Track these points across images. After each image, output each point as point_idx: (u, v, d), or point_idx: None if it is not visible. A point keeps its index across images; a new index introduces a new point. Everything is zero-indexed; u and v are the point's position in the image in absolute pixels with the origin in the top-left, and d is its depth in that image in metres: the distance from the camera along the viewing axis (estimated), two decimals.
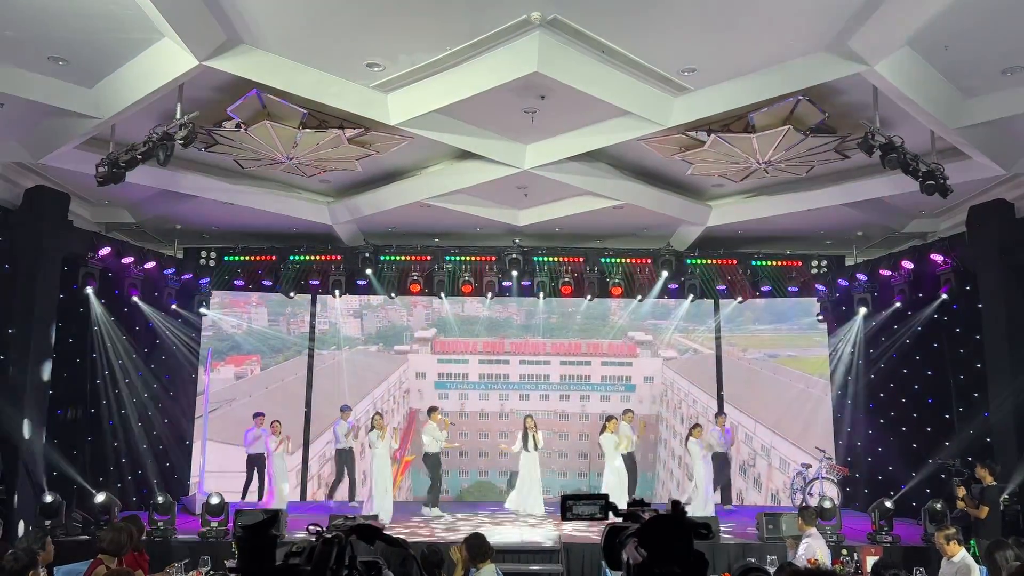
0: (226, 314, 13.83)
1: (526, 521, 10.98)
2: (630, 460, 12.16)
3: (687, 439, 11.79)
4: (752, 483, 13.66)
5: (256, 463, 12.31)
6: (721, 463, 12.52)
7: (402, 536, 8.58)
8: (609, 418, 12.02)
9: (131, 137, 7.91)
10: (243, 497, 12.16)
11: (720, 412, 13.11)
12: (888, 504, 9.45)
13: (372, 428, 11.19)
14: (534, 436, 11.73)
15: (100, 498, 9.33)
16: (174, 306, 12.57)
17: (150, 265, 11.85)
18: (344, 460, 12.70)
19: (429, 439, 11.46)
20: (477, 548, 5.78)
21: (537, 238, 12.89)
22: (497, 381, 14.51)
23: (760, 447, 13.67)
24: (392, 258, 12.99)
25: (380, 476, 10.89)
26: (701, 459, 11.55)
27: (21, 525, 9.02)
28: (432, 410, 11.79)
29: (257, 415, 12.44)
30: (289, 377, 14.04)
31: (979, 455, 9.70)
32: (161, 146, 7.36)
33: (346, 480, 12.77)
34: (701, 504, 11.29)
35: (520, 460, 11.81)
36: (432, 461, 11.47)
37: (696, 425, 11.98)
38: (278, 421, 11.92)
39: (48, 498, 9.03)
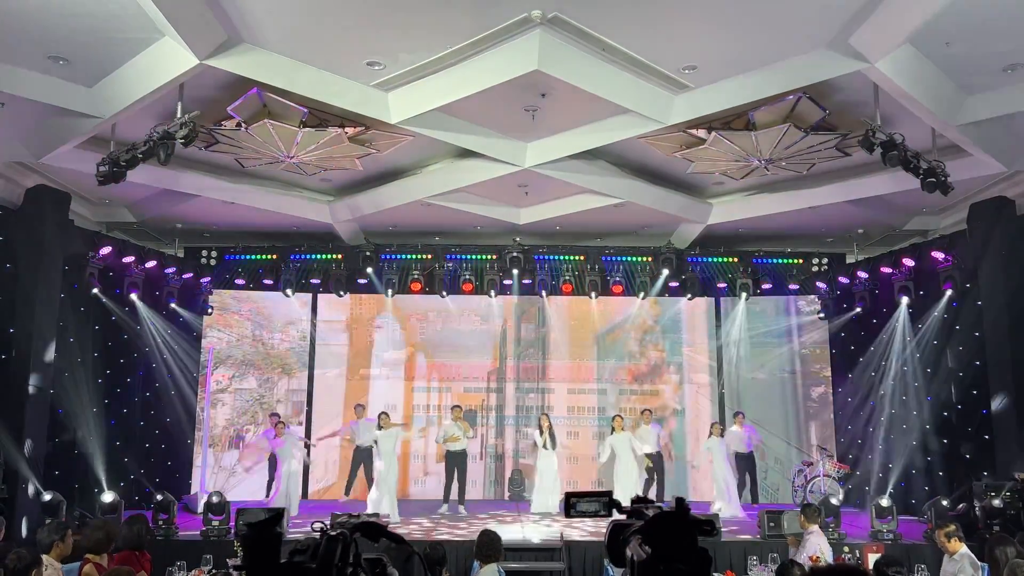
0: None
1: (529, 519, 10.97)
2: (657, 460, 12.17)
3: (708, 437, 11.84)
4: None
5: (273, 462, 12.34)
6: (747, 464, 12.54)
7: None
8: (615, 416, 12.01)
9: (132, 136, 7.91)
10: (267, 495, 12.16)
11: (738, 412, 13.02)
12: (883, 503, 9.43)
13: (379, 427, 11.20)
14: (549, 434, 11.72)
15: (108, 498, 9.33)
16: (172, 304, 12.53)
17: (151, 264, 11.84)
18: (361, 458, 12.61)
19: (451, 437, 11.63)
20: (488, 546, 5.77)
21: (538, 236, 12.89)
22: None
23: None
24: (393, 257, 13.00)
25: (385, 475, 10.91)
26: (724, 459, 11.54)
27: (25, 523, 9.02)
28: (455, 408, 11.92)
29: (272, 415, 12.50)
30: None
31: (979, 452, 9.71)
32: (162, 145, 7.36)
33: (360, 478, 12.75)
34: (728, 505, 11.20)
35: (538, 459, 11.84)
36: (457, 459, 11.60)
37: (715, 423, 12.01)
38: (282, 422, 11.91)
39: (47, 496, 9.04)
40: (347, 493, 12.75)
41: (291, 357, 13.91)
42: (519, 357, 14.03)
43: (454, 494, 11.73)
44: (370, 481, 12.19)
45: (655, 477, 12.30)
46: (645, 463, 12.02)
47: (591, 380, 13.87)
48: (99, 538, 5.71)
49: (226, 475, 12.97)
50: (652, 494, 12.00)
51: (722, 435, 11.90)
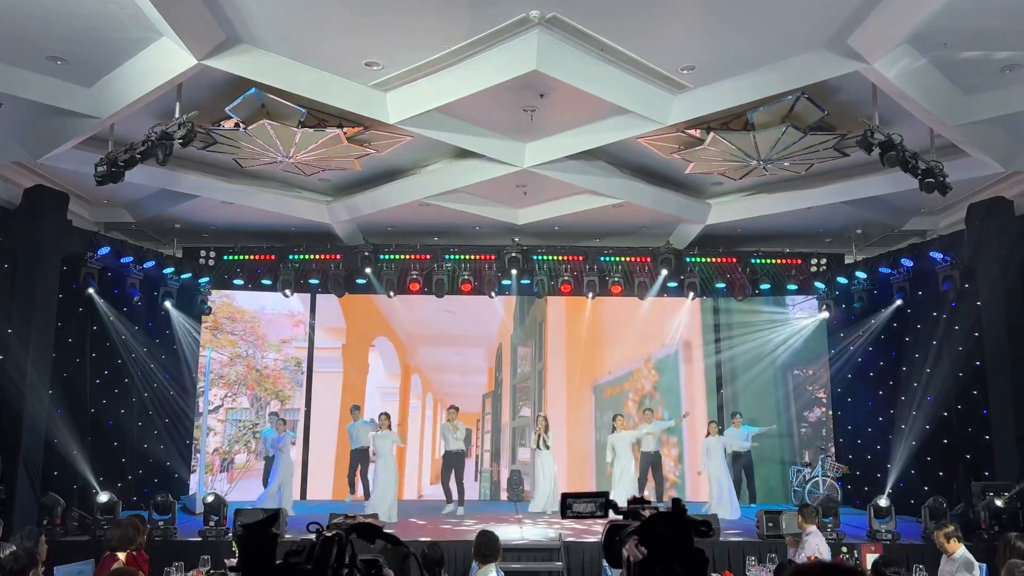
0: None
1: (530, 520, 10.96)
2: (655, 459, 12.15)
3: (706, 436, 11.79)
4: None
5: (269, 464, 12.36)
6: (744, 464, 12.51)
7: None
8: (616, 416, 11.99)
9: (130, 136, 7.90)
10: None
11: (735, 412, 13.01)
12: (882, 503, 9.43)
13: (378, 428, 11.22)
14: (544, 436, 11.70)
15: (103, 498, 9.32)
16: (167, 304, 12.46)
17: (149, 265, 11.83)
18: (358, 460, 12.63)
19: (447, 438, 11.59)
20: (486, 546, 5.76)
21: (536, 237, 12.88)
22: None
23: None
24: (392, 257, 12.98)
25: (384, 475, 10.90)
26: (721, 459, 11.49)
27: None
28: (452, 409, 11.86)
29: (272, 415, 12.49)
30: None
31: (978, 453, 9.69)
32: (160, 145, 7.35)
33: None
34: (727, 507, 11.11)
35: (534, 460, 11.81)
36: (454, 459, 11.56)
37: (712, 422, 11.99)
38: (283, 420, 11.97)
39: (42, 497, 9.03)
40: (352, 491, 12.72)
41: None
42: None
43: (455, 493, 11.72)
44: (366, 485, 12.20)
45: (653, 476, 12.28)
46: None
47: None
48: (123, 535, 5.75)
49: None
50: (649, 495, 11.99)
51: (720, 434, 11.87)
